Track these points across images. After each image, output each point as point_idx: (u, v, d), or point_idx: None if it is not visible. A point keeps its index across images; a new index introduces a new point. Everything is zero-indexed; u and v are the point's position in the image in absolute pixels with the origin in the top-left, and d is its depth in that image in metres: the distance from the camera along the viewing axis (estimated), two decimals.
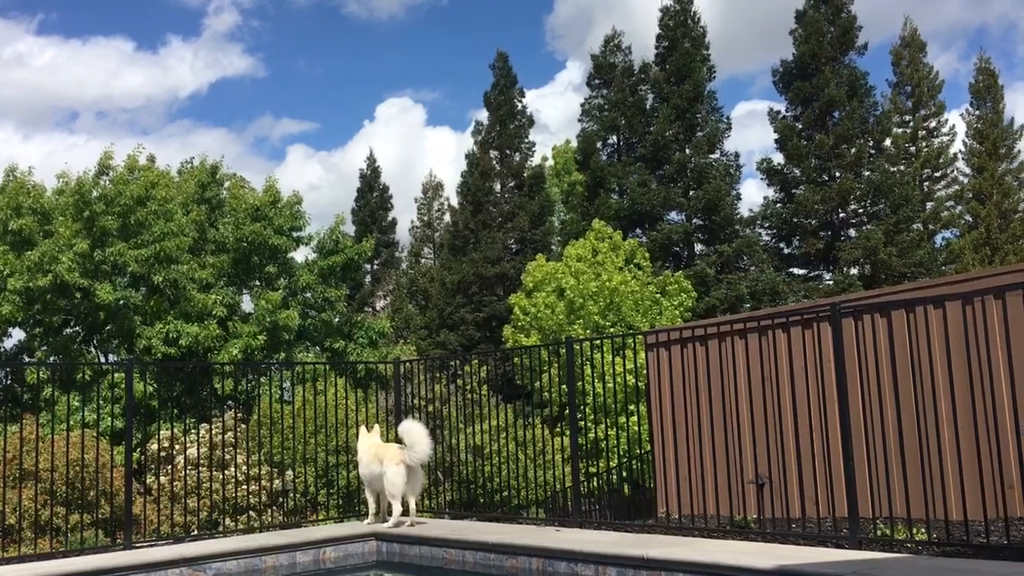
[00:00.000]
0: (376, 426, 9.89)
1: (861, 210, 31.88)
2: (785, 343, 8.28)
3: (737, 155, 33.37)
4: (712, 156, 32.55)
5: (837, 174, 31.09)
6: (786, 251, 33.05)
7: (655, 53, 33.62)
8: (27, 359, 19.18)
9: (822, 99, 30.96)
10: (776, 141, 32.40)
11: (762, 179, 33.29)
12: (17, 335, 19.48)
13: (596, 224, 25.82)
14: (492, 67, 35.89)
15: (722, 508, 8.65)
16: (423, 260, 46.09)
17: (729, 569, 6.38)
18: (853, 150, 30.83)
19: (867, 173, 31.06)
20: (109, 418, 16.16)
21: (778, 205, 32.70)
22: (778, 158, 32.71)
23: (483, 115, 36.45)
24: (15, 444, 10.21)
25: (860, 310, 8.15)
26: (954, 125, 39.63)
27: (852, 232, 31.72)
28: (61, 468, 9.83)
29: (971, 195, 37.11)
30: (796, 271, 32.80)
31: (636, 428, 16.26)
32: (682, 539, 7.74)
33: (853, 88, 31.08)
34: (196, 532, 10.37)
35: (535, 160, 37.00)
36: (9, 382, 18.54)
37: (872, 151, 31.80)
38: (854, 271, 30.66)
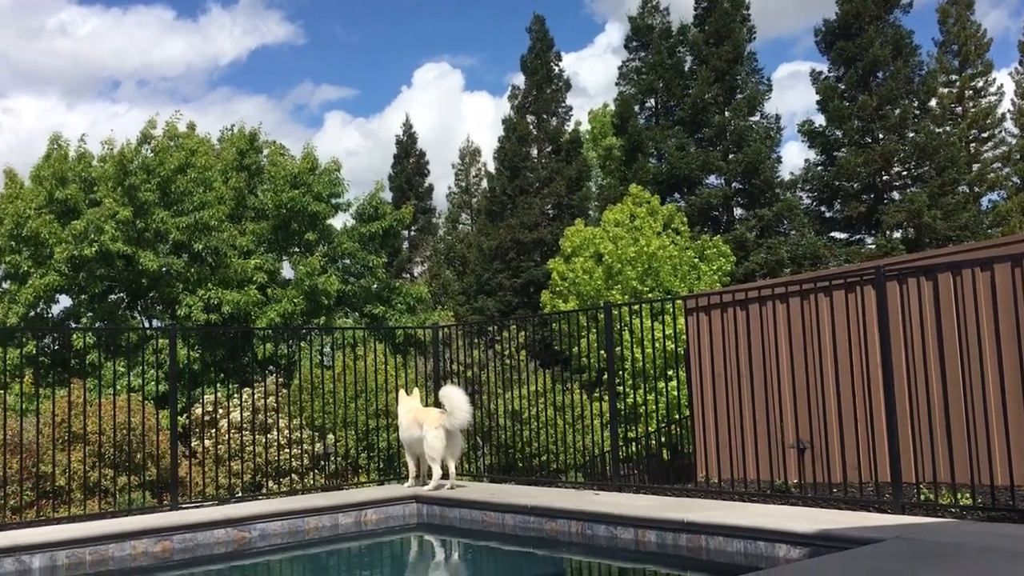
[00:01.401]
0: (416, 390, 9.95)
1: (905, 172, 31.27)
2: (827, 307, 8.17)
3: (778, 117, 32.84)
4: (752, 119, 32.06)
5: (880, 136, 30.47)
6: (827, 215, 32.56)
7: (694, 14, 33.07)
8: (73, 325, 19.53)
9: (866, 59, 30.28)
10: (818, 103, 31.81)
11: (803, 141, 32.77)
12: (65, 301, 19.85)
13: (634, 189, 25.60)
14: (529, 31, 35.57)
15: (762, 473, 8.61)
16: (460, 226, 46.12)
17: (770, 533, 6.36)
18: (897, 111, 30.18)
19: (911, 134, 30.41)
20: (153, 383, 16.47)
21: (819, 168, 32.17)
22: (820, 120, 32.16)
23: (520, 80, 36.23)
24: (64, 408, 10.44)
25: (905, 273, 8.02)
26: (1002, 85, 38.70)
27: (896, 195, 31.15)
28: (109, 431, 10.03)
29: (1019, 156, 36.21)
30: (837, 235, 32.32)
31: (675, 393, 16.22)
32: (722, 503, 7.73)
33: (898, 47, 30.35)
34: (240, 494, 10.55)
35: (572, 125, 36.72)
36: (57, 347, 18.94)
37: (917, 112, 31.11)
38: (897, 235, 30.12)
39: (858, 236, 32.14)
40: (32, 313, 18.83)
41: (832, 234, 32.25)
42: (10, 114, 68.67)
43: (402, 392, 9.90)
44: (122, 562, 7.45)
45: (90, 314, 19.44)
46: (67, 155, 19.99)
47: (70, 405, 10.16)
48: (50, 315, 19.56)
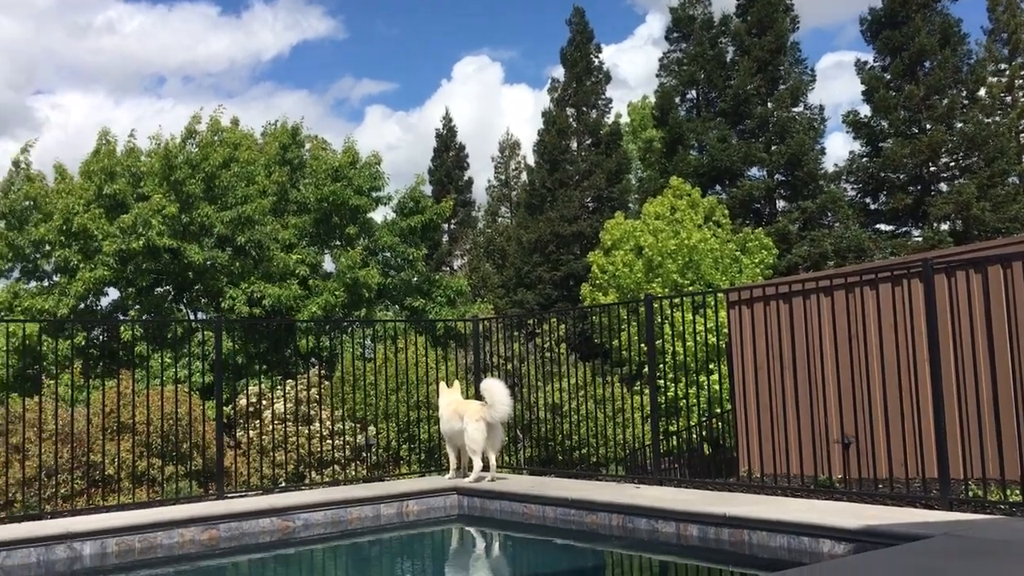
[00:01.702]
0: (456, 382, 10.00)
1: (953, 163, 30.67)
2: (874, 300, 8.06)
3: (822, 108, 32.39)
4: (795, 110, 31.66)
5: (927, 126, 29.92)
6: (873, 207, 32.07)
7: (736, 4, 32.72)
8: (121, 317, 19.88)
9: (912, 48, 29.74)
10: (863, 93, 31.30)
11: (848, 132, 32.29)
12: (113, 294, 20.23)
13: (674, 181, 25.44)
14: (569, 23, 35.44)
15: (806, 468, 8.53)
16: (500, 219, 46.14)
17: (814, 528, 6.30)
18: (945, 101, 29.61)
19: (959, 125, 29.82)
20: (199, 374, 16.72)
21: (864, 159, 31.68)
22: (865, 110, 31.66)
23: (560, 72, 36.12)
24: (112, 398, 10.64)
25: (953, 266, 7.88)
26: None
27: (943, 186, 30.56)
28: (156, 421, 10.21)
29: None
30: (883, 227, 31.82)
31: (716, 387, 16.11)
32: (764, 498, 7.67)
33: (945, 36, 29.77)
34: (283, 484, 10.69)
35: (612, 117, 36.53)
36: (106, 339, 19.30)
37: (965, 101, 30.49)
38: (945, 227, 29.59)
39: (904, 228, 31.62)
40: (82, 306, 19.20)
41: (877, 226, 31.77)
42: (59, 110, 70.01)
43: (443, 384, 9.95)
44: (170, 550, 7.59)
45: (137, 306, 19.78)
46: (115, 150, 20.34)
47: (119, 395, 10.36)
48: (99, 307, 19.94)
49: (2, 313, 18.82)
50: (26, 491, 9.44)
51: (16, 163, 20.45)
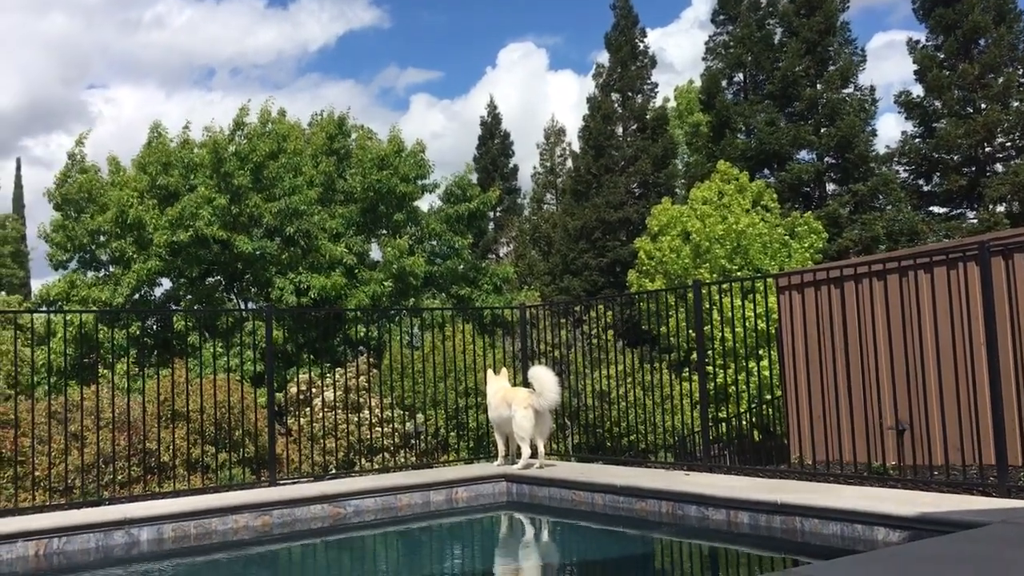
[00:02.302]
0: (504, 370, 10.02)
1: (1009, 143, 29.86)
2: (928, 284, 7.90)
3: (873, 89, 31.69)
4: (845, 91, 31.04)
5: (983, 106, 29.17)
6: (926, 189, 31.41)
7: None
8: (173, 307, 20.25)
9: (966, 26, 29.01)
10: (916, 72, 30.64)
11: (900, 113, 31.61)
12: (166, 284, 20.61)
13: (722, 165, 25.14)
14: (613, 7, 35.13)
15: (859, 454, 8.40)
16: (545, 206, 46.04)
17: (868, 516, 6.21)
18: (1000, 80, 28.83)
19: (1016, 104, 29.02)
20: (250, 363, 16.97)
21: (917, 140, 31.01)
22: (917, 90, 30.96)
23: (605, 58, 35.86)
24: (166, 387, 10.84)
25: (1011, 248, 7.69)
26: None
27: (999, 167, 29.80)
28: (208, 409, 10.39)
29: None
30: (936, 210, 31.15)
31: (766, 373, 15.94)
32: (817, 485, 7.57)
33: (1001, 13, 28.98)
34: (334, 471, 10.81)
35: (658, 102, 36.19)
36: (159, 328, 19.68)
37: (1022, 80, 29.68)
38: (1000, 208, 28.85)
39: (959, 210, 30.93)
40: (136, 296, 19.59)
41: (931, 209, 31.11)
42: (111, 104, 71.43)
43: (490, 372, 9.97)
44: (224, 535, 7.73)
45: (189, 296, 20.13)
46: (167, 143, 20.68)
47: (173, 384, 10.55)
48: (152, 297, 20.33)
49: (59, 303, 19.28)
50: (84, 478, 9.67)
51: (71, 155, 20.90)
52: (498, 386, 9.63)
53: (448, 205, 22.42)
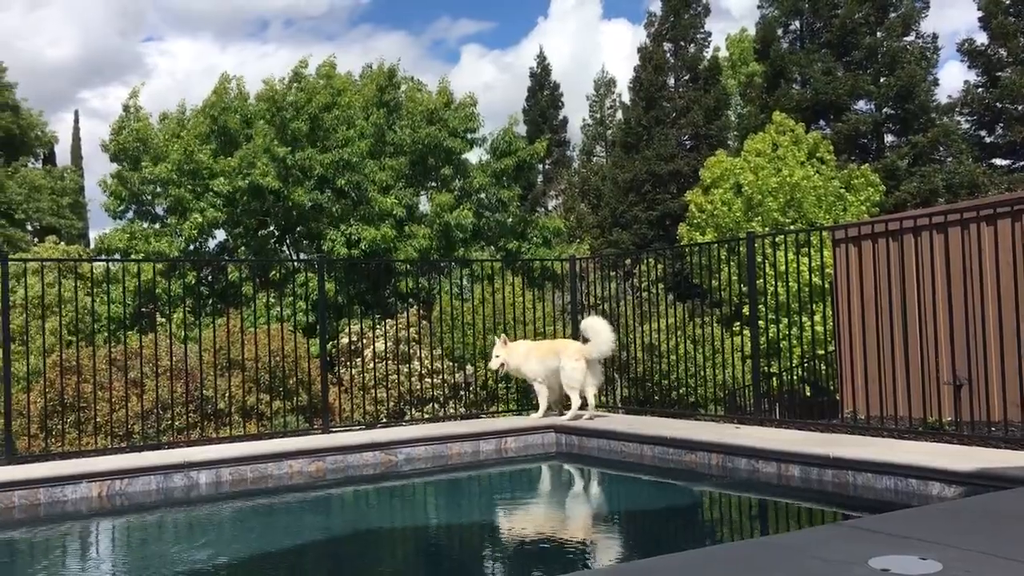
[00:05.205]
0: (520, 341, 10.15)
1: None
2: (991, 237, 7.68)
3: (935, 37, 30.68)
4: (906, 39, 30.08)
5: None
6: (988, 140, 30.43)
7: None
8: (228, 258, 20.56)
9: None
10: (980, 19, 29.52)
11: (963, 62, 30.51)
12: (220, 235, 20.93)
13: (776, 117, 24.61)
14: None
15: (914, 409, 8.28)
16: (595, 158, 45.63)
17: (923, 471, 6.14)
18: None
19: None
20: (303, 313, 17.20)
21: (980, 90, 29.99)
22: (982, 38, 29.86)
23: (658, 6, 35.15)
24: (222, 336, 11.04)
25: None
26: None
27: None
28: (263, 359, 10.56)
29: None
30: (999, 162, 30.20)
31: (819, 328, 15.75)
32: (870, 439, 7.49)
33: None
34: (384, 421, 10.96)
35: (711, 51, 35.43)
36: (214, 278, 20.02)
37: None
38: None
39: (1022, 162, 29.99)
40: (192, 247, 19.92)
41: (993, 161, 30.18)
42: (167, 56, 72.03)
43: (504, 340, 9.96)
44: (279, 480, 7.91)
45: (243, 247, 20.41)
46: (242, 87, 21.22)
47: (228, 333, 10.74)
48: (207, 249, 20.65)
49: (120, 253, 19.67)
50: (144, 423, 9.92)
51: (126, 107, 21.17)
52: (530, 345, 9.78)
53: (495, 158, 22.30)
